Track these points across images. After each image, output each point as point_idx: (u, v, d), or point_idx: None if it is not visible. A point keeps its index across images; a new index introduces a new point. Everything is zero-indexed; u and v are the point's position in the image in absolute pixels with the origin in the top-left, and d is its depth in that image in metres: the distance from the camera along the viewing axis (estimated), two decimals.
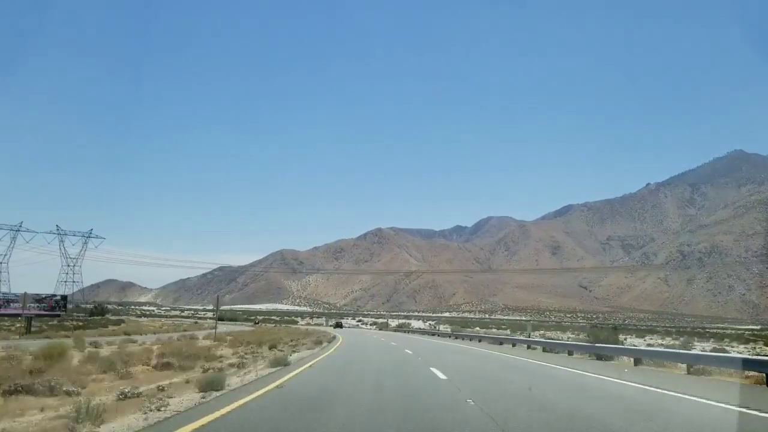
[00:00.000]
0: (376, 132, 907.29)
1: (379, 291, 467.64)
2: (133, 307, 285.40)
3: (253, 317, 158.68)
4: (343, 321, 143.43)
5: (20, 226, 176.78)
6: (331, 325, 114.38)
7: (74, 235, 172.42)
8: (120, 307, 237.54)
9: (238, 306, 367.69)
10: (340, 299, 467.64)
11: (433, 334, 77.93)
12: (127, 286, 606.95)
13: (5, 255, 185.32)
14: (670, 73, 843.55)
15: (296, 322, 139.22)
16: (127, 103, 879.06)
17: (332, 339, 47.73)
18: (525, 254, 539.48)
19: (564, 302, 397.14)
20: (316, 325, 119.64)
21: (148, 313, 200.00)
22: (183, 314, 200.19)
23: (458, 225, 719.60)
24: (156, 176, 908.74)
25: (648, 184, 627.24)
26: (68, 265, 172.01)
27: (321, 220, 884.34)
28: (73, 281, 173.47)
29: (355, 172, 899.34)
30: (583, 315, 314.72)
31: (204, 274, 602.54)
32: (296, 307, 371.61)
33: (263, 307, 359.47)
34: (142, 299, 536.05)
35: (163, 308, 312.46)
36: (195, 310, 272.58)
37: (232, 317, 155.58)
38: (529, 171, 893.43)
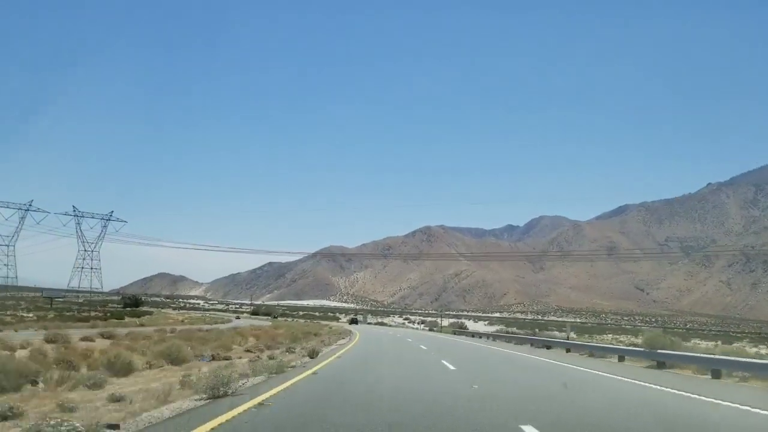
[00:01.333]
0: (426, 129, 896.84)
1: (427, 289, 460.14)
2: (180, 300, 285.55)
3: (295, 312, 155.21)
4: (388, 319, 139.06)
5: (30, 205, 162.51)
6: (369, 323, 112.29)
7: (92, 218, 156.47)
8: (167, 300, 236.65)
9: (286, 302, 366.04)
10: (388, 297, 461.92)
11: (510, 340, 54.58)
12: (178, 280, 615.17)
13: (12, 237, 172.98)
14: (732, 68, 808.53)
15: (338, 319, 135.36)
16: (171, 95, 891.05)
17: (344, 340, 41.08)
18: (579, 255, 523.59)
19: (620, 304, 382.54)
20: (349, 322, 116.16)
21: (189, 306, 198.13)
22: (220, 308, 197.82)
23: (509, 224, 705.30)
24: (206, 171, 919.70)
25: (709, 184, 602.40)
26: (85, 250, 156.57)
27: (369, 216, 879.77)
28: (91, 268, 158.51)
29: (404, 170, 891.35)
30: (640, 318, 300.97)
31: (253, 270, 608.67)
32: (343, 304, 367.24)
33: (310, 303, 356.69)
34: (193, 293, 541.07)
35: (211, 302, 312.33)
36: (241, 304, 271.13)
37: (267, 312, 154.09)
38: (583, 170, 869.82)
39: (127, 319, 65.53)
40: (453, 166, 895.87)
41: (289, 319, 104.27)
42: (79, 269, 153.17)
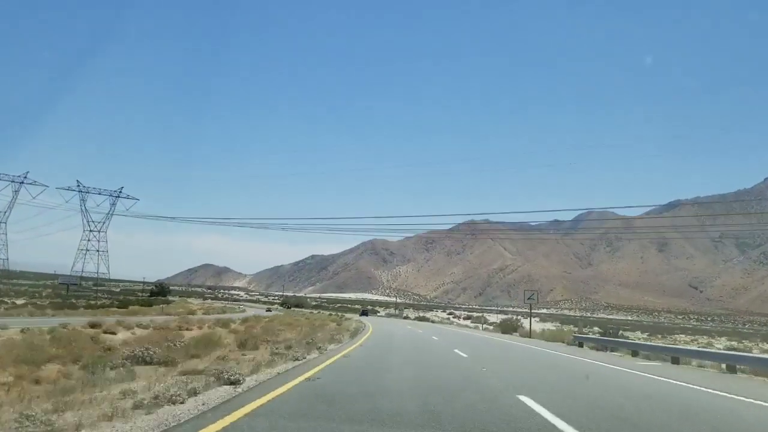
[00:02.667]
0: (470, 123, 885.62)
1: (471, 284, 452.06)
2: (222, 291, 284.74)
3: (331, 304, 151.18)
4: (431, 314, 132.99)
5: (25, 177, 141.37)
6: (406, 317, 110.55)
7: (99, 194, 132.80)
8: (208, 291, 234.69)
9: (328, 294, 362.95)
10: (431, 291, 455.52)
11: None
12: (222, 271, 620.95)
13: (4, 213, 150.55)
14: None
15: (376, 313, 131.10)
16: (219, 91, 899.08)
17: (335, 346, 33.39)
18: (629, 250, 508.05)
19: (673, 302, 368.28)
20: (359, 314, 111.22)
21: (228, 296, 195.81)
22: (259, 299, 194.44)
23: (556, 219, 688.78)
24: (252, 164, 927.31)
25: (766, 179, 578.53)
26: (90, 231, 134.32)
27: (412, 210, 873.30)
28: (98, 250, 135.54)
29: (447, 163, 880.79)
30: (696, 317, 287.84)
31: (296, 262, 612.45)
32: (386, 298, 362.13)
33: (352, 296, 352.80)
34: (237, 284, 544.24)
35: (252, 293, 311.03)
36: (281, 295, 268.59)
37: (298, 303, 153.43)
38: (632, 164, 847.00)
39: (152, 307, 63.86)
40: (498, 158, 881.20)
41: (315, 312, 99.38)
42: (83, 252, 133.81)
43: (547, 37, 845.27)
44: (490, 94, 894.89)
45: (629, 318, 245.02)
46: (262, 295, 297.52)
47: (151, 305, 63.30)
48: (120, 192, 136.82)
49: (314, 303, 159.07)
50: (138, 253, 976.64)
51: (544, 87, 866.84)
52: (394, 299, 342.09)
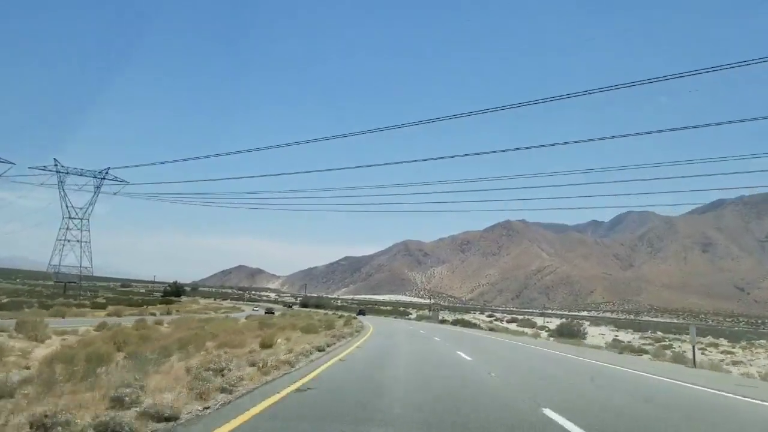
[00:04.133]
0: (505, 121, 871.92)
1: (507, 286, 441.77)
2: (254, 292, 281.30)
3: (371, 305, 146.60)
4: (469, 316, 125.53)
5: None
6: (442, 320, 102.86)
7: (80, 174, 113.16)
8: (239, 292, 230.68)
9: (361, 296, 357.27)
10: (466, 293, 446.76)
11: None
12: (256, 273, 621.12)
13: None
14: None
15: (408, 315, 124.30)
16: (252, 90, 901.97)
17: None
18: (671, 251, 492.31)
19: (718, 304, 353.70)
20: (357, 313, 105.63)
21: (257, 298, 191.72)
22: (281, 300, 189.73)
23: (594, 220, 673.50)
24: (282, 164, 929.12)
25: None
26: (70, 218, 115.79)
27: (446, 211, 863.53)
28: (79, 241, 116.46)
29: (482, 163, 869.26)
30: (744, 320, 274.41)
31: (330, 264, 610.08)
32: (419, 299, 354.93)
33: (386, 297, 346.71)
34: (271, 286, 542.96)
35: (283, 295, 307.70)
36: (303, 296, 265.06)
37: (318, 304, 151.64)
38: (672, 163, 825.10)
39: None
40: (534, 156, 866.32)
41: (329, 312, 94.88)
42: (61, 242, 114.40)
43: (585, 36, 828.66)
44: (525, 92, 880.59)
45: (674, 320, 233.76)
46: (293, 296, 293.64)
47: (143, 305, 59.01)
48: (106, 173, 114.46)
49: (337, 304, 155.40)
50: (172, 254, 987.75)
51: (580, 83, 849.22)
52: (428, 301, 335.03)
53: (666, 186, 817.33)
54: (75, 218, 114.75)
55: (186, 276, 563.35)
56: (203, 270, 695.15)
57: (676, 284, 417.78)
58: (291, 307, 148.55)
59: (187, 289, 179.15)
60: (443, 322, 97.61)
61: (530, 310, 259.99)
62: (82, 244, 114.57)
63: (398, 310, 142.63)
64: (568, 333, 46.93)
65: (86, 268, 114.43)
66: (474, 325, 79.03)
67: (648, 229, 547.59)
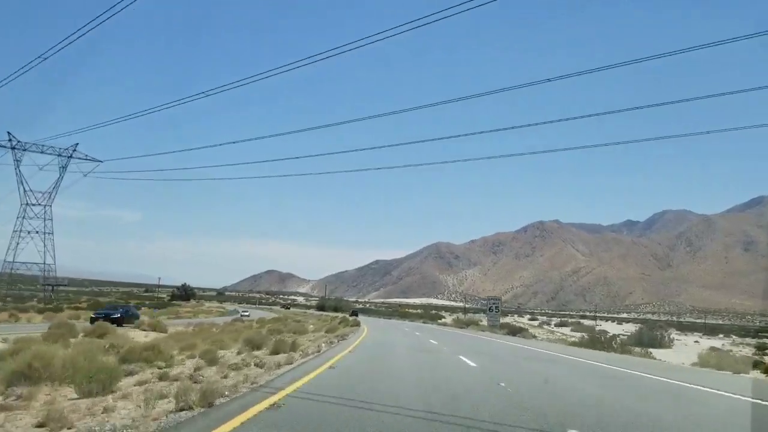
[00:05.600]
0: (536, 120, 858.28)
1: (542, 288, 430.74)
2: (282, 296, 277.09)
3: (401, 308, 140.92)
4: (509, 318, 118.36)
5: None
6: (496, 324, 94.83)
7: (41, 152, 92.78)
8: (266, 296, 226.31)
9: (392, 299, 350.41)
10: (499, 295, 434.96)
11: None
12: (286, 277, 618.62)
13: None
14: None
15: (441, 318, 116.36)
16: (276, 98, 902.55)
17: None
18: (711, 250, 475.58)
19: (764, 305, 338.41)
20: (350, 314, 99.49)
21: (284, 302, 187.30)
22: (308, 304, 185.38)
23: (629, 219, 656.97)
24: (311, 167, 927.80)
25: None
26: (28, 204, 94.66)
27: (478, 212, 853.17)
28: (41, 232, 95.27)
29: (513, 163, 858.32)
30: None
31: (360, 267, 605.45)
32: (452, 302, 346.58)
33: (417, 301, 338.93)
34: (301, 290, 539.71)
35: (312, 299, 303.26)
36: (322, 298, 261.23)
37: (336, 306, 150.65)
38: (709, 160, 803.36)
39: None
40: (566, 156, 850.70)
41: (330, 315, 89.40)
42: (17, 233, 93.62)
43: (629, 37, 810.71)
44: (553, 90, 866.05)
45: (720, 322, 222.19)
46: (321, 300, 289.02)
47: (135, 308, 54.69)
48: (74, 150, 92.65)
49: (359, 306, 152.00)
50: (200, 260, 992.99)
51: (611, 80, 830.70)
52: (461, 304, 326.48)
53: (703, 183, 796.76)
54: (35, 205, 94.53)
55: (216, 281, 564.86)
56: (234, 275, 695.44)
57: (717, 284, 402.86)
58: (288, 308, 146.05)
59: (232, 294, 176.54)
60: (509, 333, 61.92)
61: (567, 312, 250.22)
62: (45, 236, 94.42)
63: (429, 314, 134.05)
64: (649, 342, 38.32)
65: (49, 265, 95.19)
66: (530, 335, 53.70)
67: (686, 228, 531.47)
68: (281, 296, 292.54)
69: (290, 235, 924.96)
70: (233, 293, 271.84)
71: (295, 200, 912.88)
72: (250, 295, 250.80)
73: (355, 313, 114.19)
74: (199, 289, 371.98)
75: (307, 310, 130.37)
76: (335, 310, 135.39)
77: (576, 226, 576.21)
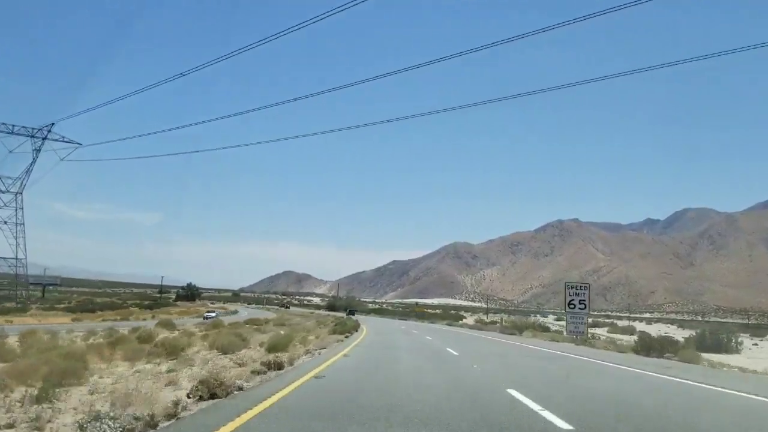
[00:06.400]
0: (555, 119, 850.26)
1: (562, 288, 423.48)
2: (297, 297, 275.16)
3: (418, 308, 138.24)
4: (533, 320, 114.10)
5: None
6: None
7: (12, 133, 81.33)
8: (282, 297, 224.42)
9: (409, 300, 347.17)
10: (518, 296, 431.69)
11: None
12: (303, 278, 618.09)
13: None
14: None
15: (460, 318, 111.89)
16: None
17: None
18: (735, 249, 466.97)
19: None
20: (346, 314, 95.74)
21: (298, 302, 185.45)
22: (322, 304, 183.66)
23: (649, 218, 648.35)
24: (333, 173, 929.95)
25: None
26: None
27: (495, 211, 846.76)
28: (12, 223, 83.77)
29: (530, 161, 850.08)
30: None
31: (377, 268, 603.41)
32: (470, 303, 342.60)
33: (435, 301, 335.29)
34: (318, 290, 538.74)
35: (327, 299, 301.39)
36: (333, 297, 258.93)
37: (347, 306, 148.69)
38: (730, 157, 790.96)
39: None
40: (585, 154, 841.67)
41: (340, 315, 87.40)
42: None
43: (650, 39, 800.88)
44: (575, 90, 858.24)
45: (747, 321, 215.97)
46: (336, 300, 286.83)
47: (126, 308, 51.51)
48: (49, 131, 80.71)
49: (372, 307, 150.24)
50: (219, 262, 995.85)
51: (633, 78, 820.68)
52: (479, 304, 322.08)
53: (724, 181, 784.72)
54: (5, 192, 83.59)
55: (235, 282, 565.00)
56: (252, 276, 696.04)
57: (741, 283, 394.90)
58: (288, 307, 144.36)
59: (248, 295, 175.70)
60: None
61: (592, 312, 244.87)
62: (17, 227, 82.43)
63: (449, 314, 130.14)
64: (714, 346, 33.36)
65: (20, 260, 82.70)
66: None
67: (708, 226, 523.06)
68: (297, 297, 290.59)
69: (307, 237, 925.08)
70: (249, 294, 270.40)
71: (312, 201, 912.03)
72: (266, 296, 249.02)
73: (351, 313, 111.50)
74: (215, 290, 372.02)
75: (316, 311, 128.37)
76: (346, 309, 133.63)
77: (595, 225, 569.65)
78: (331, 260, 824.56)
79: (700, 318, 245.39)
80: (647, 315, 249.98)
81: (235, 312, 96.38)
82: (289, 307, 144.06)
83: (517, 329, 56.90)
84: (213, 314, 72.31)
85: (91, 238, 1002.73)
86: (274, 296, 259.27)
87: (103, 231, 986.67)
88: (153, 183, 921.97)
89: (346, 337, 31.90)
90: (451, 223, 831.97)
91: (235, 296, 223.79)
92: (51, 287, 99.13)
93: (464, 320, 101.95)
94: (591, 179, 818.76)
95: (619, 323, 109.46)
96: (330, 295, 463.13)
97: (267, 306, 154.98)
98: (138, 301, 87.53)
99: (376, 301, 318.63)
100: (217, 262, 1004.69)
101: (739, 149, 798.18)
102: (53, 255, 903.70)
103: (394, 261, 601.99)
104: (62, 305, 61.85)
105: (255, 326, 44.53)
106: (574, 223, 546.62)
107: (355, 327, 45.21)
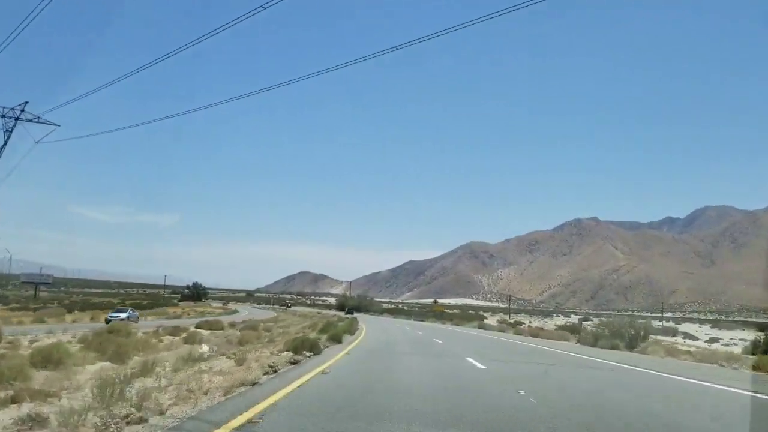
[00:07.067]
0: (572, 116, 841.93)
1: (581, 287, 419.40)
2: (313, 297, 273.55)
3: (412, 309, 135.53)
4: (558, 320, 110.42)
5: None
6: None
7: None
8: (297, 297, 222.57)
9: (425, 300, 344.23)
10: (536, 295, 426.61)
11: None
12: (319, 278, 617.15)
13: None
14: None
15: (481, 319, 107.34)
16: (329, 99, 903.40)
17: None
18: (757, 247, 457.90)
19: None
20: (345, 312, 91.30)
21: (315, 302, 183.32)
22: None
23: (668, 216, 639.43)
24: (350, 175, 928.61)
25: None
26: None
27: (512, 210, 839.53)
28: None
29: (548, 158, 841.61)
30: None
31: (393, 268, 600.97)
32: (488, 303, 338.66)
33: (451, 301, 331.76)
34: (334, 291, 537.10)
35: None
36: (342, 295, 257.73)
37: (358, 306, 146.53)
38: (751, 155, 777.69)
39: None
40: (603, 152, 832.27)
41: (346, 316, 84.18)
42: None
43: (662, 37, 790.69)
44: (594, 89, 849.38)
45: None
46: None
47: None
48: (22, 110, 70.63)
49: (387, 307, 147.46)
50: (234, 263, 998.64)
51: (654, 76, 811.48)
52: (497, 304, 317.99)
53: (743, 179, 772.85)
54: None
55: (251, 283, 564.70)
56: (268, 276, 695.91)
57: (764, 281, 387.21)
58: (289, 306, 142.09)
59: (261, 296, 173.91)
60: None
61: (608, 312, 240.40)
62: None
63: (468, 314, 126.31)
64: None
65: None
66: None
67: (729, 224, 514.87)
68: (312, 297, 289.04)
69: (324, 237, 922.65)
70: (263, 294, 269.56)
71: (330, 202, 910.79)
72: (281, 296, 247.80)
73: (350, 312, 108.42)
74: (230, 290, 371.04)
75: (324, 311, 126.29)
76: (357, 310, 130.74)
77: (614, 223, 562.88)
78: (347, 261, 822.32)
79: (724, 317, 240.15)
80: (669, 314, 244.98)
81: (235, 312, 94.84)
82: (290, 306, 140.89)
83: (620, 338, 32.02)
84: (121, 315, 51.13)
85: (112, 240, 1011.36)
86: (288, 296, 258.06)
87: (123, 233, 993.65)
88: (171, 184, 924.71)
89: (310, 356, 17.39)
90: (467, 223, 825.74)
91: (249, 296, 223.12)
92: (43, 286, 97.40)
93: (485, 320, 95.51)
94: (609, 177, 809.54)
95: (666, 325, 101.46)
96: (346, 294, 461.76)
97: (274, 306, 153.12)
98: (131, 302, 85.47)
99: (392, 301, 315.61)
100: (236, 263, 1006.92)
101: (759, 146, 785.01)
102: (74, 257, 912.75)
103: (410, 261, 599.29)
104: (38, 306, 59.57)
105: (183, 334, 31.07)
106: (592, 222, 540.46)
107: (347, 331, 32.74)
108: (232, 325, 43.33)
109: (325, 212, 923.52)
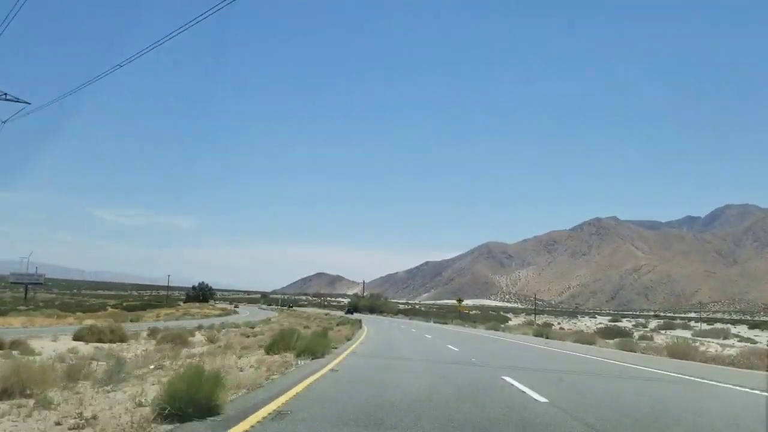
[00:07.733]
0: (590, 114, 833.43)
1: (601, 287, 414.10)
2: (329, 299, 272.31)
3: (429, 310, 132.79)
4: (584, 323, 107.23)
5: None
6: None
7: None
8: (313, 299, 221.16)
9: (442, 301, 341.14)
10: (555, 296, 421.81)
11: None
12: (335, 280, 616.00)
13: None
14: None
15: (505, 320, 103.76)
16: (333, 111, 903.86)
17: None
18: None
19: None
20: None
21: (329, 304, 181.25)
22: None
23: (689, 215, 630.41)
24: (363, 176, 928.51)
25: None
26: None
27: (529, 210, 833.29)
28: None
29: (566, 157, 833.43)
30: None
31: (410, 269, 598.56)
32: (506, 303, 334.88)
33: (469, 302, 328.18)
34: (350, 292, 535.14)
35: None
36: (353, 295, 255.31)
37: (371, 306, 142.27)
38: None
39: None
40: (621, 150, 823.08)
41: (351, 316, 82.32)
42: None
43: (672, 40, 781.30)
44: (612, 87, 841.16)
45: None
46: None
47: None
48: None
49: (403, 308, 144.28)
50: (252, 265, 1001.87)
51: (674, 74, 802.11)
52: (515, 305, 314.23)
53: (765, 176, 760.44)
54: None
55: (268, 284, 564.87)
56: (285, 278, 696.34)
57: None
58: (290, 307, 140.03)
59: (276, 297, 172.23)
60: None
61: (628, 312, 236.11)
62: None
63: (488, 314, 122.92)
64: None
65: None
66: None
67: (752, 223, 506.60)
68: (327, 298, 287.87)
69: (341, 239, 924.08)
70: (278, 296, 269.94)
71: (346, 204, 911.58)
72: (297, 297, 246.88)
73: (350, 311, 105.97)
74: (245, 292, 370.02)
75: (334, 312, 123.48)
76: (370, 311, 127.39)
77: (634, 222, 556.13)
78: (364, 262, 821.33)
79: (748, 317, 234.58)
80: (692, 314, 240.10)
81: (233, 313, 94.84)
82: (291, 307, 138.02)
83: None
84: None
85: (130, 242, 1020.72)
86: (304, 298, 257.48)
87: (142, 235, 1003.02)
88: (190, 188, 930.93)
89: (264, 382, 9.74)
90: (485, 223, 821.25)
91: (263, 297, 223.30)
92: (32, 287, 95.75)
93: (509, 322, 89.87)
94: (628, 176, 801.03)
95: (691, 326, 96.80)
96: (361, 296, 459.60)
97: (281, 307, 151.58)
98: (128, 303, 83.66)
99: (409, 302, 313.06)
100: (254, 265, 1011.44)
101: None
102: (94, 259, 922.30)
103: (427, 262, 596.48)
104: (26, 307, 58.18)
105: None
106: (612, 221, 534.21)
107: (318, 344, 17.20)
108: (153, 333, 26.99)
109: (342, 214, 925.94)
